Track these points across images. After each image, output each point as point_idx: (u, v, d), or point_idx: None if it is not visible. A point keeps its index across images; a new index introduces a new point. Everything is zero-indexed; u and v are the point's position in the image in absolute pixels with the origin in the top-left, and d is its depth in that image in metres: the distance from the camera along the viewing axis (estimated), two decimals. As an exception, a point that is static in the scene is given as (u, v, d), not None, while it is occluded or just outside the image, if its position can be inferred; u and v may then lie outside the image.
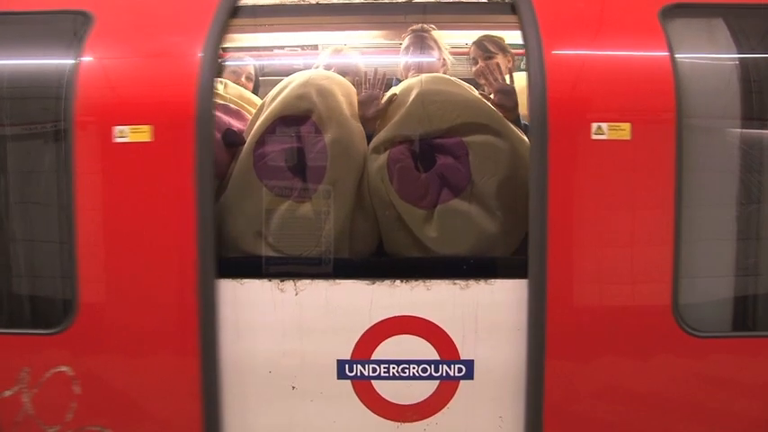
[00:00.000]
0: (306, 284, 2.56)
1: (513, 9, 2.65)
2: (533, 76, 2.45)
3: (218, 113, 2.83)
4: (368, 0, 2.78)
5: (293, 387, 2.61)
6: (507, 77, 2.91)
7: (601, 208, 2.46)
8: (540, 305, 2.46)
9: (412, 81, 2.77)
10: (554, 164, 2.41)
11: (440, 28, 3.10)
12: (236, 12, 2.73)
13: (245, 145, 2.71)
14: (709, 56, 2.66)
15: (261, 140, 2.68)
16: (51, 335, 2.60)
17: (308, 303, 2.57)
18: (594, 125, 2.43)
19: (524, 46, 2.53)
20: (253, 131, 2.72)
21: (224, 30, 2.64)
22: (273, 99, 2.72)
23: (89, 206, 2.56)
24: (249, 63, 3.42)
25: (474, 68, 3.15)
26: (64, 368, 2.63)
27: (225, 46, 3.96)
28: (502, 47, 3.10)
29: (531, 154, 2.45)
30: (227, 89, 3.04)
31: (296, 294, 2.56)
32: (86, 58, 2.60)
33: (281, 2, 2.83)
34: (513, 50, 3.18)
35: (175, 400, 2.60)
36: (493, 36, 3.12)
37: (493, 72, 2.84)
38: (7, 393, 2.64)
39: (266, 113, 2.70)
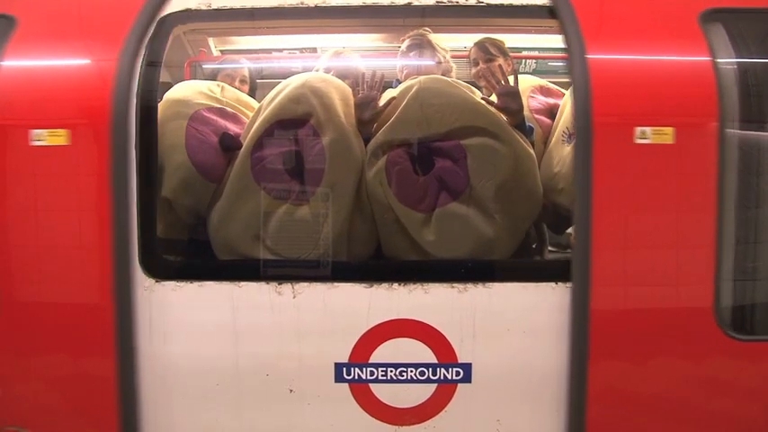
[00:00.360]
0: (304, 287, 2.56)
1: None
2: (577, 80, 2.46)
3: (215, 117, 2.85)
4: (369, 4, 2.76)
5: (291, 390, 2.60)
6: (511, 79, 2.90)
7: (644, 211, 2.47)
8: (584, 309, 2.45)
9: (410, 83, 2.78)
10: (598, 167, 2.42)
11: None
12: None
13: (242, 148, 2.71)
14: (750, 60, 2.66)
15: (258, 144, 2.68)
16: None
17: (305, 306, 2.56)
18: (638, 129, 2.44)
19: (566, 50, 2.53)
20: (250, 135, 2.72)
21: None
22: (270, 102, 2.72)
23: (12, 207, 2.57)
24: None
25: (474, 70, 3.15)
26: None
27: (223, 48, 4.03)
28: (503, 50, 3.12)
29: (575, 158, 2.45)
30: (223, 92, 3.03)
31: (294, 297, 2.56)
32: (7, 62, 2.60)
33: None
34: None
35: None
36: (494, 39, 3.13)
37: (495, 74, 2.84)
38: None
39: (263, 117, 2.70)
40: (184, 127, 2.75)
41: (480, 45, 3.12)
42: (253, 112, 2.90)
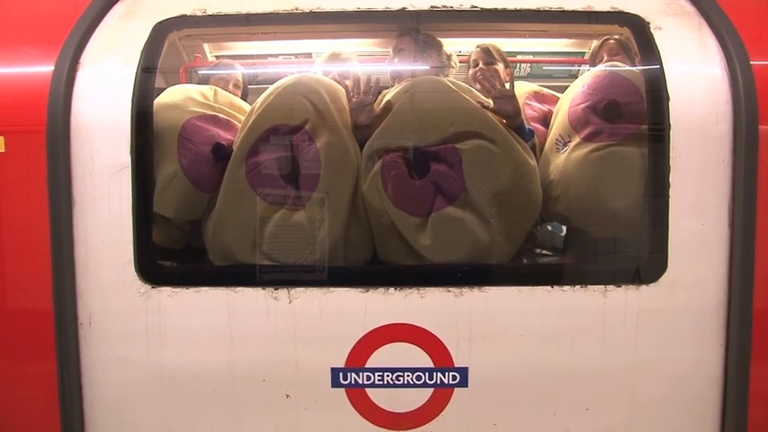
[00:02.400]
0: (299, 292, 2.56)
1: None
2: (743, 86, 2.46)
3: (207, 125, 2.84)
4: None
5: (287, 395, 2.60)
6: (507, 85, 2.90)
7: None
8: (747, 313, 2.46)
9: (405, 86, 2.77)
10: (764, 172, 2.43)
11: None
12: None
13: (236, 154, 2.70)
14: None
15: (253, 149, 2.68)
16: None
17: (301, 311, 2.56)
18: None
19: (726, 54, 2.54)
20: (242, 140, 2.71)
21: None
22: (262, 105, 2.71)
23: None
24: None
25: (471, 71, 3.16)
26: None
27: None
28: (503, 57, 3.12)
29: (740, 163, 2.45)
30: (216, 97, 3.02)
31: (289, 302, 2.56)
32: None
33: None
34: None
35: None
36: (496, 45, 3.14)
37: (490, 78, 2.85)
38: None
39: (256, 121, 2.69)
40: (176, 137, 2.74)
41: (483, 48, 3.13)
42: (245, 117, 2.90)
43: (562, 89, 3.35)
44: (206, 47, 3.94)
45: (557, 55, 4.18)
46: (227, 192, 2.68)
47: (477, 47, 3.15)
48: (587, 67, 3.93)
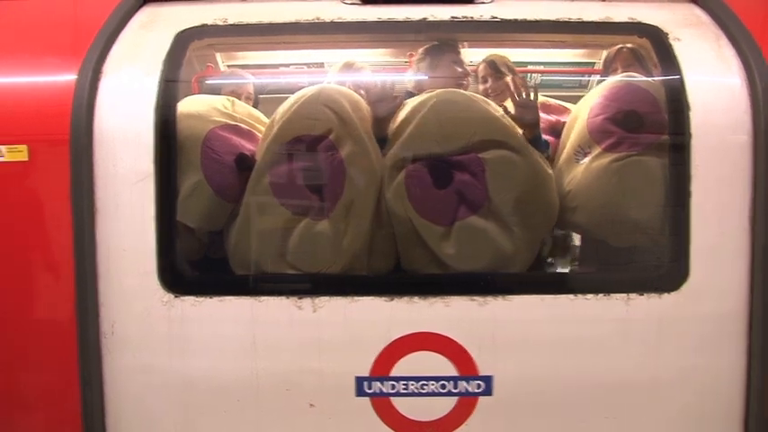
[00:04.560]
0: (324, 302, 2.56)
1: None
2: (762, 95, 2.49)
3: (230, 135, 2.84)
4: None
5: (311, 405, 2.60)
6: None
7: None
8: None
9: (427, 96, 2.78)
10: None
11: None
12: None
13: (259, 164, 2.71)
14: None
15: (275, 159, 2.68)
16: None
17: (325, 320, 2.56)
18: None
19: (744, 64, 2.58)
20: (265, 150, 2.72)
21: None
22: (284, 116, 2.72)
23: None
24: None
25: (481, 87, 3.17)
26: None
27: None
28: (511, 68, 3.15)
29: (760, 171, 2.47)
30: (235, 107, 3.02)
31: (314, 311, 2.56)
32: None
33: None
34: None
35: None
36: (502, 56, 3.16)
37: (502, 94, 2.89)
38: None
39: (279, 131, 2.70)
40: (200, 147, 2.74)
41: (489, 62, 3.15)
42: (264, 127, 2.90)
43: (571, 99, 3.39)
44: (218, 56, 3.95)
45: (566, 65, 4.21)
46: (251, 201, 2.69)
47: (483, 61, 3.17)
48: (597, 77, 4.01)
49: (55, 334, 2.61)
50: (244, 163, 2.77)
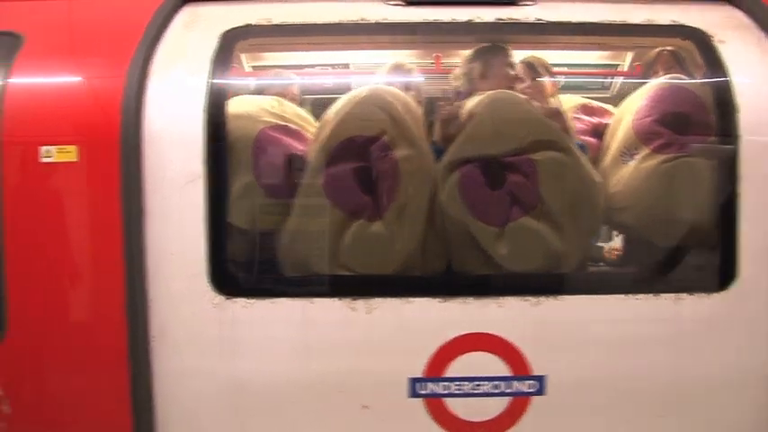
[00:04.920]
0: (377, 303, 2.55)
1: None
2: None
3: (280, 135, 2.83)
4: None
5: (364, 406, 2.59)
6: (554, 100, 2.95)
7: None
8: None
9: (481, 98, 2.79)
10: None
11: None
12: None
13: (312, 165, 2.71)
14: None
15: (328, 160, 2.67)
16: None
17: (379, 322, 2.55)
18: None
19: None
20: (318, 151, 2.71)
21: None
22: (337, 117, 2.71)
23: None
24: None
25: (521, 87, 3.18)
26: None
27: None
28: (549, 70, 3.16)
29: None
30: (283, 107, 3.01)
31: (367, 313, 2.55)
32: (15, 79, 2.60)
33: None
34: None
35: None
36: (540, 58, 3.18)
37: (538, 95, 2.90)
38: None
39: (333, 132, 2.69)
40: (250, 147, 2.73)
41: (527, 63, 3.16)
42: (311, 128, 2.89)
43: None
44: (243, 57, 3.92)
45: (589, 67, 4.23)
46: (304, 202, 2.67)
47: (521, 62, 3.18)
48: (621, 79, 4.05)
49: (104, 337, 2.57)
50: (295, 163, 2.75)
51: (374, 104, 2.70)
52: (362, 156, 2.68)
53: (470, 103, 2.80)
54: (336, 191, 2.66)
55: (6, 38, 2.73)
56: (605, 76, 4.28)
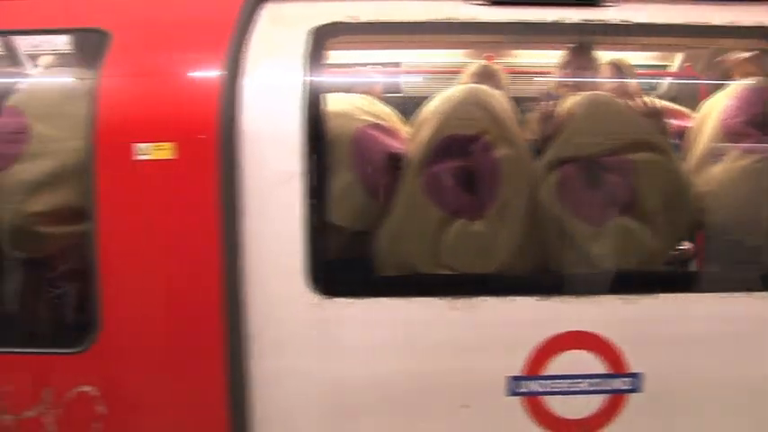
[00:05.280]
0: (478, 302, 2.55)
1: None
2: None
3: (377, 134, 2.82)
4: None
5: (463, 405, 2.59)
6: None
7: None
8: None
9: (579, 99, 2.81)
10: None
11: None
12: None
13: (413, 164, 2.70)
14: None
15: (428, 159, 2.67)
16: (74, 354, 2.55)
17: (479, 321, 2.56)
18: None
19: None
20: (418, 150, 2.71)
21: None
22: (437, 116, 2.72)
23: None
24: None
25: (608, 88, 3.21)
26: (87, 388, 2.56)
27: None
28: (633, 72, 3.20)
29: None
30: (373, 106, 2.99)
31: (468, 312, 2.55)
32: (108, 77, 2.58)
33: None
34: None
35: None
36: (625, 60, 3.21)
37: (625, 96, 2.93)
38: (29, 414, 2.57)
39: (432, 131, 2.69)
40: (349, 146, 2.72)
41: (614, 65, 3.19)
42: (400, 126, 2.88)
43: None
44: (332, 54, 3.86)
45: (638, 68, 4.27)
46: (404, 201, 2.67)
47: (607, 63, 3.20)
48: (669, 80, 4.10)
49: (200, 337, 2.55)
50: (395, 162, 2.74)
51: (475, 104, 2.72)
52: (463, 155, 2.68)
53: (567, 103, 2.81)
54: (437, 190, 2.66)
55: (93, 35, 2.69)
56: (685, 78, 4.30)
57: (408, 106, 3.03)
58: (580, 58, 3.01)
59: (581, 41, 3.02)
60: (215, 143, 2.49)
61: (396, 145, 2.84)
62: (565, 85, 3.08)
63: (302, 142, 2.53)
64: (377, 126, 2.84)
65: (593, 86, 3.05)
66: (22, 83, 2.98)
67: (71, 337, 2.59)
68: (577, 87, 2.96)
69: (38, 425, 2.59)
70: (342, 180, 2.70)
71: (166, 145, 2.51)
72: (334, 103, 2.83)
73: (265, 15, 2.78)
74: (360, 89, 3.19)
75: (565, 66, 3.09)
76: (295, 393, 2.58)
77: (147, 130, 2.53)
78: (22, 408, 2.59)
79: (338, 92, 3.03)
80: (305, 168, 2.53)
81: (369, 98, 3.03)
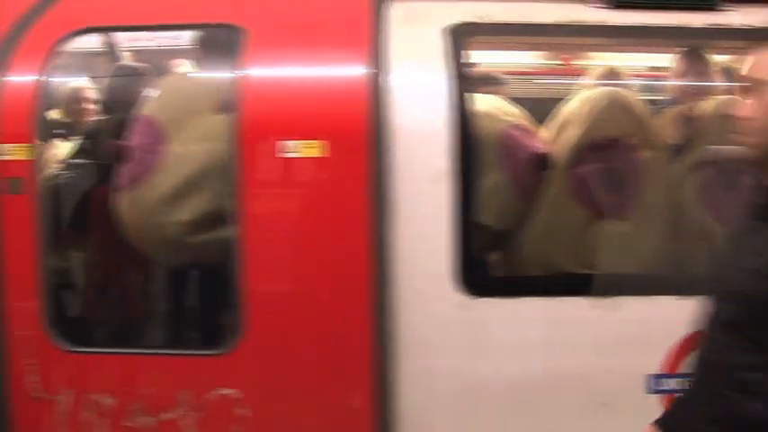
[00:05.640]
0: (623, 301, 2.59)
1: None
2: None
3: (521, 134, 2.84)
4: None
5: (604, 403, 2.62)
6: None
7: None
8: None
9: (715, 102, 2.87)
10: None
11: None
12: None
13: (558, 164, 2.73)
14: None
15: (575, 160, 2.71)
16: (217, 356, 2.54)
17: (623, 320, 2.59)
18: None
19: None
20: (565, 151, 2.75)
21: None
22: (583, 118, 2.76)
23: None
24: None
25: None
26: (228, 390, 2.54)
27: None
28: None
29: None
30: (509, 107, 3.00)
31: (612, 311, 2.59)
32: (251, 73, 2.57)
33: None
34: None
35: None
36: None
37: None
38: (167, 416, 2.56)
39: (579, 133, 2.73)
40: (497, 146, 2.73)
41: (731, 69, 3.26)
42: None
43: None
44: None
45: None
46: (550, 202, 2.70)
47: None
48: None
49: (347, 338, 2.53)
50: (542, 163, 2.76)
51: (619, 107, 2.75)
52: (609, 157, 2.72)
53: (705, 105, 2.87)
54: (584, 191, 2.69)
55: (230, 30, 2.64)
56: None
57: (536, 107, 3.04)
58: (699, 62, 3.06)
59: (701, 45, 3.07)
60: (367, 141, 2.47)
61: (539, 146, 2.85)
62: (688, 89, 3.13)
63: (451, 141, 2.54)
64: (519, 127, 2.85)
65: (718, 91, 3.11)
66: (154, 88, 2.91)
67: (214, 340, 2.53)
68: (701, 92, 3.01)
69: (175, 428, 2.53)
70: (490, 179, 2.70)
71: (315, 143, 2.47)
72: (479, 104, 2.83)
73: (397, 14, 2.76)
74: (503, 90, 3.20)
75: (683, 71, 3.14)
76: (442, 393, 2.59)
77: (294, 128, 2.50)
78: (160, 410, 2.53)
79: (481, 92, 3.02)
80: (454, 167, 2.53)
81: (501, 99, 3.03)
